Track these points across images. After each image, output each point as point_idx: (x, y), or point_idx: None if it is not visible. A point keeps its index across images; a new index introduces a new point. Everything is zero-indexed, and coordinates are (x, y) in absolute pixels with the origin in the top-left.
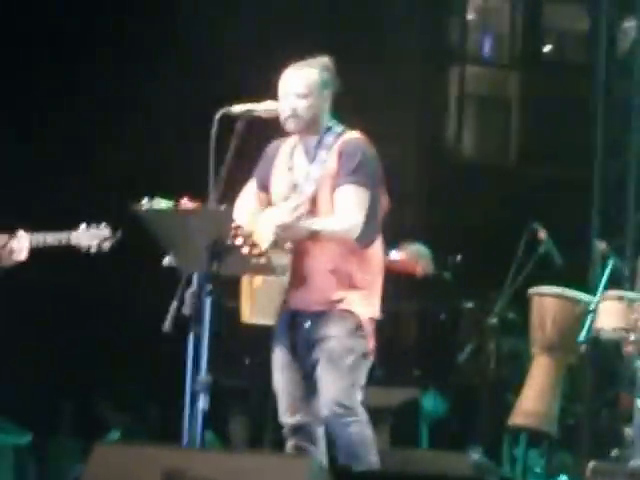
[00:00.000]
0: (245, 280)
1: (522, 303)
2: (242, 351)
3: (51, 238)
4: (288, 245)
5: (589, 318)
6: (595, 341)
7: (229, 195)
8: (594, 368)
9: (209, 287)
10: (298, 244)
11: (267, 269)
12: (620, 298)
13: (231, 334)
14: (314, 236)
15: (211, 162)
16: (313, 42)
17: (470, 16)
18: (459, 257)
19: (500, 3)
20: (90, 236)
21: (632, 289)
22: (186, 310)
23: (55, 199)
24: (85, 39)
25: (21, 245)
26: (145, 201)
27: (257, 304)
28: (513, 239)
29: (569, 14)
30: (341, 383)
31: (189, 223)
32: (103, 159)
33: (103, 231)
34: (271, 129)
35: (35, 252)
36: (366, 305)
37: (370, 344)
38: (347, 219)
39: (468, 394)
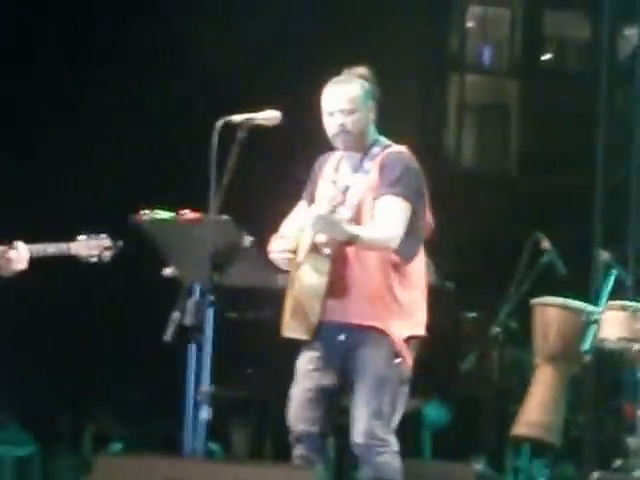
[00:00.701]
0: (288, 292)
1: (525, 313)
2: (244, 362)
3: (51, 248)
4: (327, 251)
5: (592, 328)
6: (599, 351)
7: (230, 205)
8: (597, 378)
9: (211, 297)
10: (337, 252)
11: (268, 281)
12: (624, 308)
13: (232, 344)
14: (352, 242)
15: (212, 172)
16: (312, 53)
17: (470, 24)
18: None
19: (500, 11)
20: (90, 246)
21: (636, 299)
22: (187, 320)
23: (54, 210)
24: (84, 51)
25: (20, 255)
26: (146, 212)
27: (294, 317)
28: (515, 248)
29: (569, 22)
30: (378, 415)
31: (191, 233)
32: (103, 170)
33: (103, 241)
34: (277, 142)
35: (35, 262)
36: (404, 324)
37: (408, 368)
38: (386, 229)
39: (471, 404)
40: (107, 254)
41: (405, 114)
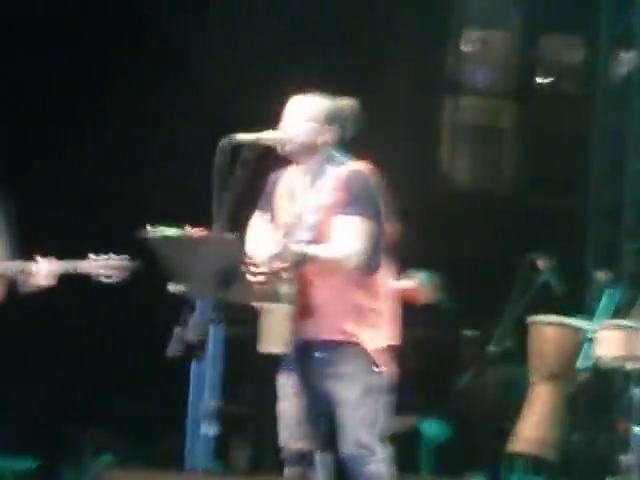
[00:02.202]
0: (262, 310)
1: (521, 332)
2: (244, 378)
3: (64, 266)
4: (286, 275)
5: (588, 346)
6: (594, 369)
7: (235, 223)
8: (592, 395)
9: (214, 314)
10: (299, 274)
11: (272, 297)
12: (619, 327)
13: (233, 361)
14: (312, 263)
15: (215, 190)
16: (311, 72)
17: (465, 47)
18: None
19: (496, 34)
20: (103, 266)
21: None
22: (190, 336)
23: (58, 227)
24: (94, 69)
25: (40, 270)
26: (151, 228)
27: (265, 334)
28: (511, 267)
29: (565, 45)
30: (362, 424)
31: (197, 250)
32: (109, 187)
33: (116, 261)
34: (279, 158)
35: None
36: (377, 335)
37: (387, 376)
38: (344, 247)
39: (468, 421)
40: (119, 274)
41: (400, 135)
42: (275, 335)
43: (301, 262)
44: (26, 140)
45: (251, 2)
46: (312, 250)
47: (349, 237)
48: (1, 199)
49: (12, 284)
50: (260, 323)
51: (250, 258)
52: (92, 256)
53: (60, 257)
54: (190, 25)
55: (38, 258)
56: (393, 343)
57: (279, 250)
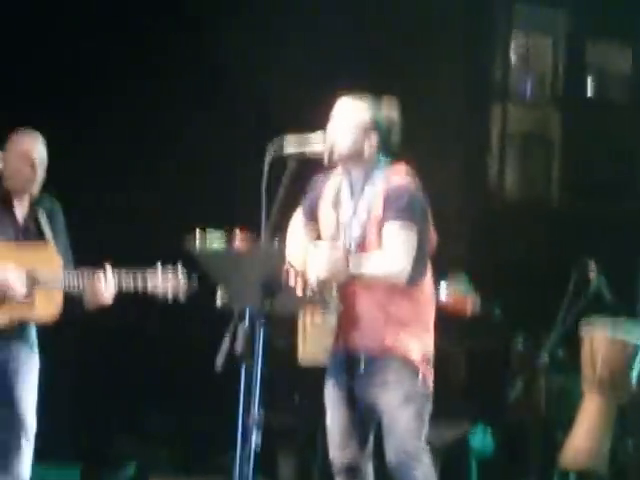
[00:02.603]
0: (300, 322)
1: (573, 341)
2: (291, 388)
3: (127, 277)
4: (333, 288)
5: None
6: None
7: (280, 232)
8: None
9: (262, 324)
10: (343, 286)
11: (320, 305)
12: None
13: (280, 371)
14: (364, 279)
15: (263, 201)
16: (358, 80)
17: (513, 55)
18: (499, 312)
19: (542, 42)
20: (168, 280)
21: None
22: (238, 347)
23: (101, 239)
24: (130, 76)
25: (108, 278)
26: (198, 235)
27: (309, 346)
28: (562, 276)
29: (612, 53)
30: (407, 430)
31: (242, 261)
32: (156, 197)
33: (179, 275)
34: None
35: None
36: (419, 343)
37: (429, 382)
38: (395, 262)
39: (518, 432)
40: (183, 292)
41: (448, 144)
42: (317, 346)
43: (351, 281)
44: (70, 150)
45: (296, 16)
46: (365, 268)
47: (398, 250)
48: (58, 212)
49: (76, 302)
50: (299, 334)
51: (292, 265)
52: (159, 270)
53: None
54: (232, 31)
55: (106, 265)
56: (430, 351)
57: (333, 269)
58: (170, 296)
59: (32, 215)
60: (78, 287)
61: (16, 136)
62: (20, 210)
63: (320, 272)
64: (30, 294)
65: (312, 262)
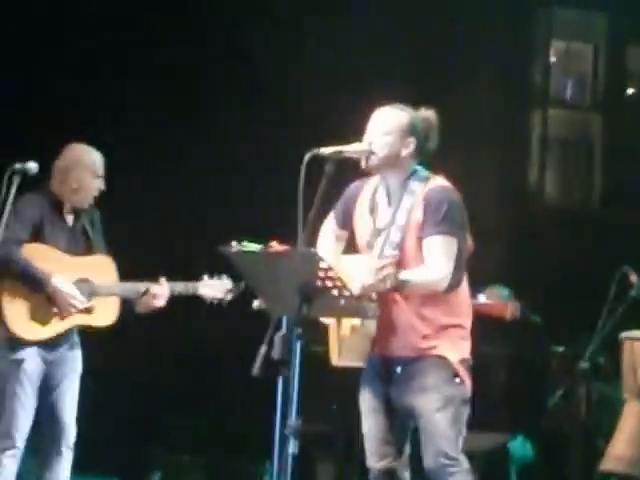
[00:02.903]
0: (333, 325)
1: (613, 347)
2: (328, 396)
3: (179, 287)
4: (374, 296)
5: None
6: None
7: (316, 237)
8: None
9: (299, 330)
10: (382, 293)
11: (357, 311)
12: None
13: (316, 379)
14: (401, 290)
15: (300, 204)
16: (395, 86)
17: (553, 59)
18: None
19: (583, 46)
20: (214, 287)
21: None
22: (275, 354)
23: (146, 249)
24: (169, 84)
25: (163, 291)
26: (234, 244)
27: (346, 350)
28: (602, 282)
29: None
30: (445, 434)
31: (279, 265)
32: (193, 204)
33: (226, 282)
34: (360, 171)
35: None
36: (457, 348)
37: (468, 388)
38: (435, 271)
39: (558, 439)
40: (229, 296)
41: (487, 149)
42: (354, 350)
43: (395, 290)
44: (114, 157)
45: (337, 20)
46: (408, 277)
47: (439, 259)
48: (98, 220)
49: (128, 305)
50: (333, 337)
51: (329, 269)
52: (206, 278)
53: (153, 277)
54: (278, 43)
55: (162, 279)
56: (468, 357)
57: (380, 280)
58: (217, 301)
59: (78, 222)
60: (134, 298)
61: (84, 151)
62: (69, 217)
63: (366, 282)
64: (89, 302)
65: (356, 271)
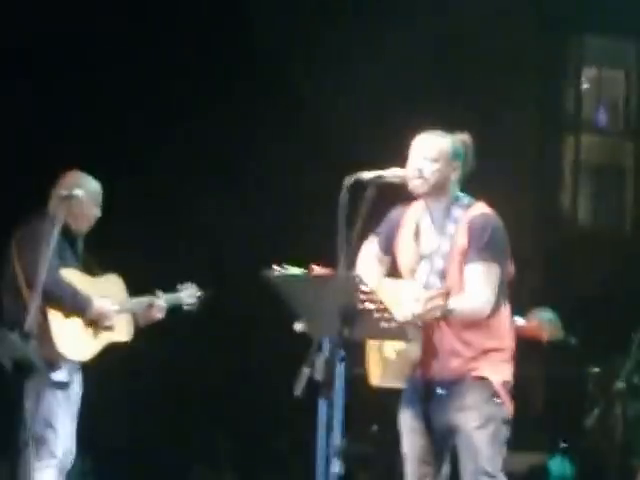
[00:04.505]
0: (373, 346)
1: None
2: (369, 417)
3: (170, 298)
4: (420, 323)
5: None
6: None
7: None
8: None
9: (341, 352)
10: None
11: (399, 334)
12: None
13: (357, 400)
14: (447, 317)
15: (341, 228)
16: (432, 113)
17: (585, 85)
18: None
19: (614, 73)
20: (190, 294)
21: None
22: (318, 375)
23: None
24: (199, 102)
25: (163, 304)
26: (277, 268)
27: (389, 372)
28: (636, 304)
29: None
30: (485, 452)
31: (321, 289)
32: (232, 228)
33: (193, 290)
34: (399, 196)
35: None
36: (498, 370)
37: (509, 409)
38: (479, 299)
39: (595, 458)
40: (196, 304)
41: (521, 175)
42: (397, 373)
43: (441, 318)
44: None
45: (372, 46)
46: (454, 306)
47: (481, 287)
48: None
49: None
50: (372, 357)
51: (371, 292)
52: (179, 286)
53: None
54: (313, 69)
55: (159, 292)
56: (510, 379)
57: (425, 310)
58: (188, 308)
59: (80, 245)
60: (139, 311)
61: (88, 179)
62: (73, 241)
63: (415, 311)
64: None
65: (401, 297)
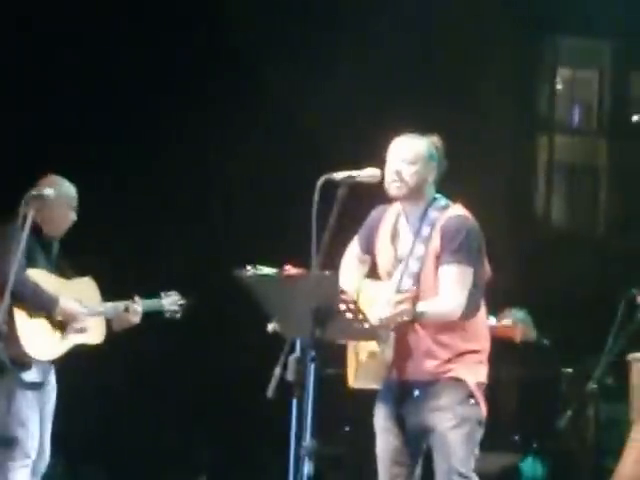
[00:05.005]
0: (350, 347)
1: (621, 369)
2: (342, 418)
3: (148, 304)
4: (392, 326)
5: None
6: None
7: (331, 261)
8: None
9: (313, 353)
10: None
11: (371, 335)
12: None
13: (330, 401)
14: (417, 321)
15: (313, 228)
16: (408, 108)
17: (559, 86)
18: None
19: (588, 73)
20: (172, 301)
21: None
22: (289, 376)
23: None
24: (175, 103)
25: (139, 309)
26: (249, 268)
27: (363, 374)
28: (609, 306)
29: None
30: (458, 452)
31: (294, 288)
32: (204, 229)
33: (176, 297)
34: (373, 196)
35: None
36: (473, 372)
37: (483, 410)
38: (450, 301)
39: (567, 460)
40: (179, 311)
41: (495, 175)
42: (371, 375)
43: (412, 321)
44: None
45: (350, 49)
46: (424, 309)
47: (454, 289)
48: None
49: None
50: (351, 360)
51: (342, 293)
52: (163, 294)
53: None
54: (293, 68)
55: (136, 297)
56: (484, 381)
57: (393, 315)
58: (169, 315)
59: (54, 247)
60: (113, 315)
61: (62, 182)
62: (47, 244)
63: (384, 314)
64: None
65: (375, 300)
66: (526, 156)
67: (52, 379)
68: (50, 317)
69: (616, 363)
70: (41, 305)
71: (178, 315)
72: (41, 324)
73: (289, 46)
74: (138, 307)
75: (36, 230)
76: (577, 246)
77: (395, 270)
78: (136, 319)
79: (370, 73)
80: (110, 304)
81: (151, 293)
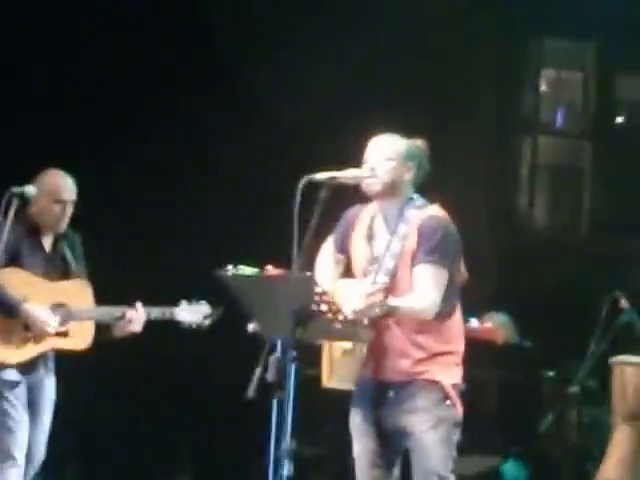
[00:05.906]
0: (325, 346)
1: (604, 372)
2: (321, 419)
3: (156, 312)
4: (365, 321)
5: None
6: None
7: (312, 262)
8: None
9: (293, 353)
10: (375, 319)
11: (351, 335)
12: None
13: (310, 401)
14: (390, 315)
15: (295, 229)
16: (387, 108)
17: (543, 87)
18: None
19: (572, 75)
20: (192, 312)
21: None
22: (270, 376)
23: (135, 272)
24: (160, 111)
25: (139, 316)
26: (230, 268)
27: (337, 372)
28: (592, 308)
29: None
30: (436, 454)
31: (274, 289)
32: (186, 230)
33: (204, 308)
34: (355, 197)
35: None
36: (448, 373)
37: (459, 412)
38: (424, 299)
39: (549, 463)
40: (207, 321)
41: (478, 176)
42: (346, 373)
43: (384, 316)
44: (100, 189)
45: (332, 49)
46: (395, 303)
47: (428, 288)
48: (78, 244)
49: (105, 329)
50: (325, 359)
51: (323, 293)
52: (184, 303)
53: (144, 303)
54: (272, 71)
55: (137, 304)
56: (459, 382)
57: (366, 306)
58: (195, 326)
59: (57, 246)
60: (110, 321)
61: (48, 175)
62: (47, 242)
63: (357, 307)
64: (64, 327)
65: (349, 296)
66: (510, 157)
67: (50, 383)
68: (9, 319)
69: (599, 366)
70: (2, 307)
71: (197, 326)
72: (9, 327)
73: (270, 46)
74: (136, 315)
75: (32, 228)
76: (560, 248)
77: (371, 267)
78: (136, 327)
79: (352, 74)
80: (104, 309)
81: (174, 301)
